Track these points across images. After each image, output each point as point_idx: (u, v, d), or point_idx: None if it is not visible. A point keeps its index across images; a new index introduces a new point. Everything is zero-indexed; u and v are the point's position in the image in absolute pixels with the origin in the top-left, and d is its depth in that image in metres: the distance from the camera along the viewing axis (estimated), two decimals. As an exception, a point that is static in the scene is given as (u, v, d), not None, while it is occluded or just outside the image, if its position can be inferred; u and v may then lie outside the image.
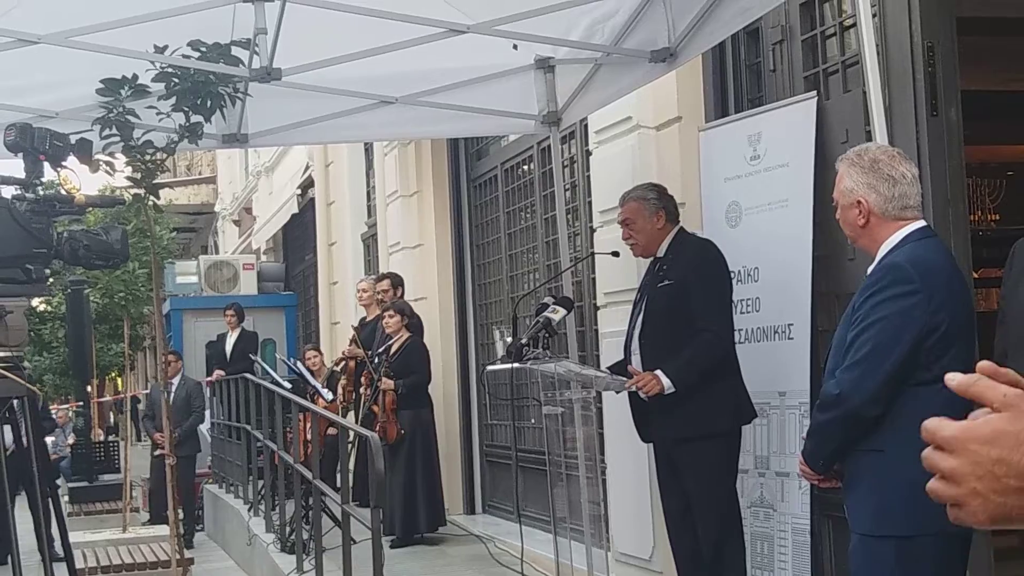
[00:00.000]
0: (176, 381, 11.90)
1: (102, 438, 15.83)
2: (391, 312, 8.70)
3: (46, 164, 3.95)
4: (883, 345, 3.24)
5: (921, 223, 3.43)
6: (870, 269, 3.43)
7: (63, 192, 3.74)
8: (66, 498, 13.40)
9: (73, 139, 4.03)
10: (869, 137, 4.21)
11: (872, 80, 3.97)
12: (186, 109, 5.78)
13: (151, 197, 5.63)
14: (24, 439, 3.64)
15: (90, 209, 5.17)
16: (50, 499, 3.74)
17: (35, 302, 21.59)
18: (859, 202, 3.40)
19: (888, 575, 3.28)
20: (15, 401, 3.66)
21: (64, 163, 3.98)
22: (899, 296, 3.25)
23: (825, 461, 3.45)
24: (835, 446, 3.40)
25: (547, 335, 4.77)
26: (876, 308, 3.27)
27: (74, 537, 9.18)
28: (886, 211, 3.39)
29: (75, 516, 11.60)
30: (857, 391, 3.26)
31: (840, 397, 3.30)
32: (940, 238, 3.68)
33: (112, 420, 18.05)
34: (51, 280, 3.84)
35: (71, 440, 16.13)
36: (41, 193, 3.72)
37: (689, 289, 4.81)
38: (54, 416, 13.47)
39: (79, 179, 3.84)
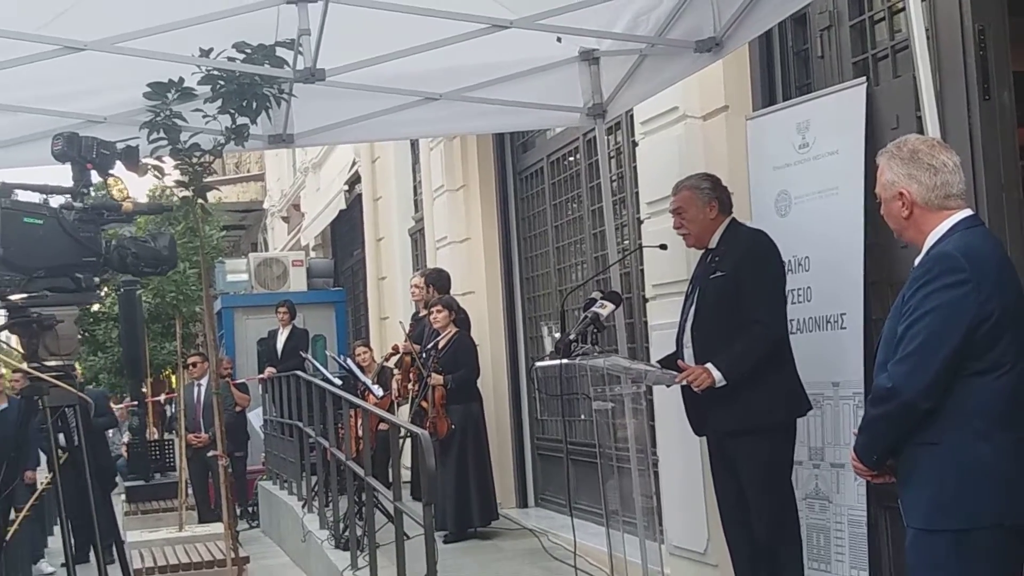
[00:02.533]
0: (204, 382, 11.96)
1: (157, 437, 15.97)
2: (439, 307, 8.70)
3: (93, 172, 3.97)
4: (935, 336, 3.20)
5: (967, 212, 3.39)
6: (918, 260, 3.39)
7: (111, 200, 3.76)
8: (123, 497, 13.54)
9: (120, 146, 4.05)
10: (920, 123, 4.16)
11: (922, 65, 3.91)
12: (232, 111, 5.81)
13: (199, 199, 5.65)
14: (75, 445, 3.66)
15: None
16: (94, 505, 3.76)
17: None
18: (901, 193, 3.37)
19: (945, 570, 3.23)
20: (67, 409, 3.69)
21: (111, 171, 4.00)
22: (949, 286, 3.21)
23: (879, 456, 3.41)
24: (888, 441, 3.36)
25: (595, 330, 4.75)
26: (926, 299, 3.23)
27: (132, 536, 9.32)
28: (929, 201, 3.36)
29: (132, 515, 11.71)
30: (910, 384, 3.22)
31: (893, 391, 3.25)
32: (987, 226, 3.62)
33: (167, 418, 18.21)
34: (102, 288, 3.85)
35: (126, 439, 16.30)
36: (89, 202, 3.74)
37: (741, 280, 4.76)
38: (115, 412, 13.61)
39: (127, 186, 3.85)
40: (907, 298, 3.30)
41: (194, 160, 5.71)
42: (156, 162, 5.49)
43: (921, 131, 4.01)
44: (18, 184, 3.70)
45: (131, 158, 4.09)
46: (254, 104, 5.74)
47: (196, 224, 5.34)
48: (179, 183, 5.72)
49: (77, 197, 3.81)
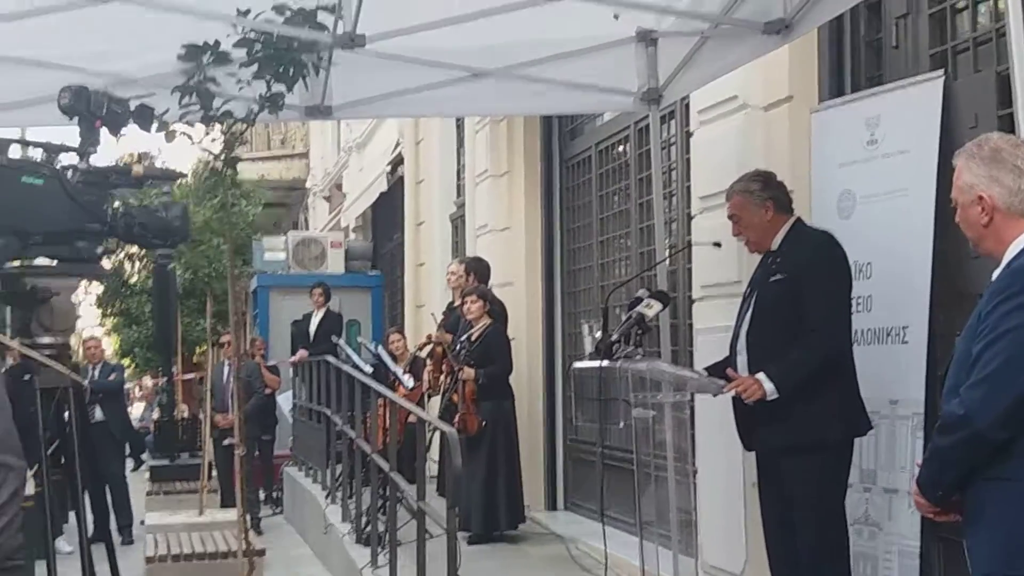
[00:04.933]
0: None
1: (186, 415, 15.80)
2: (472, 297, 8.38)
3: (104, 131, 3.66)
4: (1015, 359, 2.87)
5: None
6: (996, 273, 3.06)
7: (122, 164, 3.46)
8: (147, 475, 13.37)
9: (133, 104, 3.74)
10: (1008, 121, 3.82)
11: (1018, 57, 3.53)
12: (268, 77, 5.53)
13: (229, 170, 5.37)
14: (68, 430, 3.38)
15: (171, 185, 4.92)
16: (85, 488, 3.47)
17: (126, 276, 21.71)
18: (981, 197, 3.05)
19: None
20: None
21: (122, 130, 3.70)
22: None
23: (944, 491, 3.08)
24: (957, 474, 3.02)
25: (640, 331, 4.42)
26: (1006, 317, 2.90)
27: (151, 519, 9.11)
28: (1012, 206, 3.03)
29: (155, 495, 11.51)
30: (984, 411, 2.89)
31: (965, 418, 2.92)
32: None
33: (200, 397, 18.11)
34: (104, 260, 3.53)
35: (156, 415, 16.16)
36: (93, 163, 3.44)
37: (803, 284, 4.45)
38: (126, 388, 13.45)
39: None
40: (984, 316, 2.97)
41: (225, 127, 5.43)
42: (186, 127, 5.21)
43: (1004, 130, 3.72)
44: (18, 139, 3.40)
45: (144, 117, 3.78)
46: (291, 70, 5.46)
47: (225, 196, 5.04)
48: (209, 152, 5.43)
49: (83, 157, 3.50)
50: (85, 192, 3.46)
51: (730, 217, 4.75)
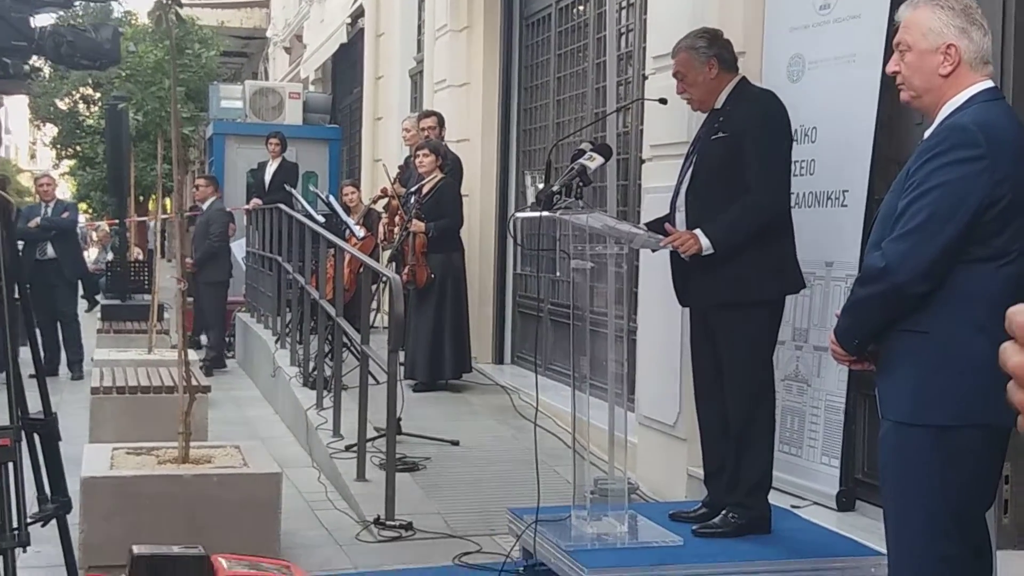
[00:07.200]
0: (206, 207, 11.73)
1: (140, 257, 15.76)
2: (425, 151, 8.36)
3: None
4: (940, 214, 2.90)
5: (990, 83, 3.05)
6: (928, 131, 3.06)
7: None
8: (99, 315, 13.41)
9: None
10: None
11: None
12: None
13: (175, 6, 5.26)
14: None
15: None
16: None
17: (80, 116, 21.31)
18: (951, 46, 3.00)
19: (923, 466, 2.99)
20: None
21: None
22: (962, 161, 2.89)
23: (861, 341, 3.12)
24: (874, 325, 3.07)
25: (581, 184, 4.43)
26: (934, 173, 2.91)
27: (99, 355, 9.18)
28: (972, 63, 3.01)
29: (105, 334, 11.56)
30: (905, 265, 2.92)
31: (885, 270, 2.96)
32: (1007, 100, 3.28)
33: (153, 242, 18.03)
34: (32, 77, 3.50)
35: (110, 257, 16.11)
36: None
37: (744, 144, 4.44)
38: (82, 230, 13.38)
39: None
40: (912, 171, 2.98)
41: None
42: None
43: None
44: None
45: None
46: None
47: (169, 32, 4.95)
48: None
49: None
50: (12, 8, 3.40)
51: (675, 75, 4.68)
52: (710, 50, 4.60)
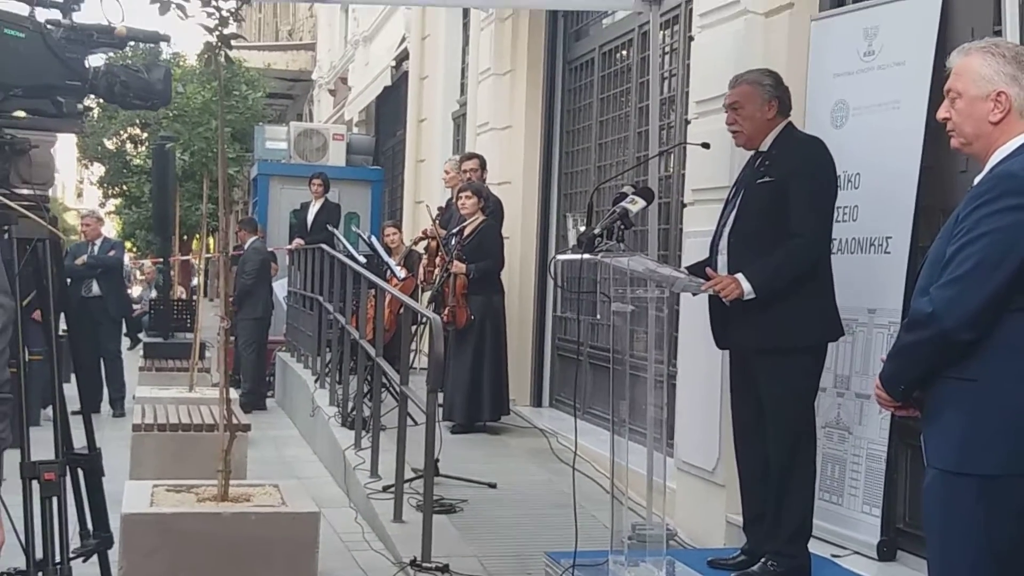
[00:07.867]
0: (246, 246, 11.86)
1: (183, 296, 15.91)
2: (467, 193, 8.42)
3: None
4: (988, 261, 2.87)
5: None
6: (978, 178, 3.05)
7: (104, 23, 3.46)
8: (141, 353, 13.51)
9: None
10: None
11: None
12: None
13: (224, 48, 5.33)
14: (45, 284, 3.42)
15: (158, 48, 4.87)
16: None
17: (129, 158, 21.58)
18: (1001, 93, 3.00)
19: (967, 516, 2.94)
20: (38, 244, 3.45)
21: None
22: (1011, 209, 2.87)
23: (907, 387, 3.10)
24: (920, 371, 3.04)
25: (623, 227, 4.44)
26: (984, 220, 2.89)
27: (141, 392, 9.26)
28: (1023, 111, 3.00)
29: (147, 371, 11.66)
30: (953, 311, 2.90)
31: (932, 316, 2.93)
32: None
33: (197, 280, 18.20)
34: (86, 116, 3.56)
35: (153, 295, 16.26)
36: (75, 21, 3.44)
37: (789, 188, 4.44)
38: (127, 268, 13.54)
39: (122, 10, 3.53)
40: (961, 218, 2.96)
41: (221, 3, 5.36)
42: (180, 1, 5.14)
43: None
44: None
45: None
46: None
47: (218, 72, 5.01)
48: (203, 27, 5.38)
49: (66, 13, 3.50)
50: (67, 48, 3.46)
51: (731, 105, 4.68)
52: (775, 90, 4.63)
